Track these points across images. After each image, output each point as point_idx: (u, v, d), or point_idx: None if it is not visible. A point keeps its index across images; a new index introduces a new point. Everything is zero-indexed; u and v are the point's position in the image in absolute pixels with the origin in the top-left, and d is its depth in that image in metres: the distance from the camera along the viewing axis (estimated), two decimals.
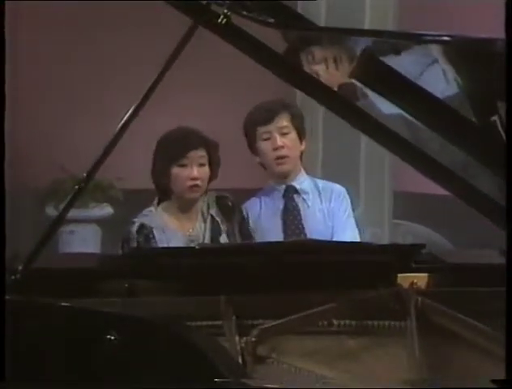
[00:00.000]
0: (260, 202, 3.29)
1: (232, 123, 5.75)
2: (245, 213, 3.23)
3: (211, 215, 3.07)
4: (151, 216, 3.04)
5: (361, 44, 1.92)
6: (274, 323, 2.11)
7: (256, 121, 3.24)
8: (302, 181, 3.28)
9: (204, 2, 2.02)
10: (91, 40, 5.75)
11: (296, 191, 3.26)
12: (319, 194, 3.28)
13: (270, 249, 2.54)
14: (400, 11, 5.34)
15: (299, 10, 2.64)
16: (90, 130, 5.08)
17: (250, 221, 3.22)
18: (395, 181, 5.46)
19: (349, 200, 3.32)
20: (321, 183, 3.33)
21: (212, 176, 3.07)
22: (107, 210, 5.71)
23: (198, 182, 3.00)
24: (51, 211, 5.43)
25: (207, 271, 2.34)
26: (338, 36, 1.98)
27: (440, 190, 2.06)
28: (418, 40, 1.78)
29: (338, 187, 3.34)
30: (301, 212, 3.24)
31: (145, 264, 2.38)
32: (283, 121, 3.21)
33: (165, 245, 2.97)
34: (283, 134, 3.20)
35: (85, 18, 5.67)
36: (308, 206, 3.25)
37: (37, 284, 2.09)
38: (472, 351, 2.08)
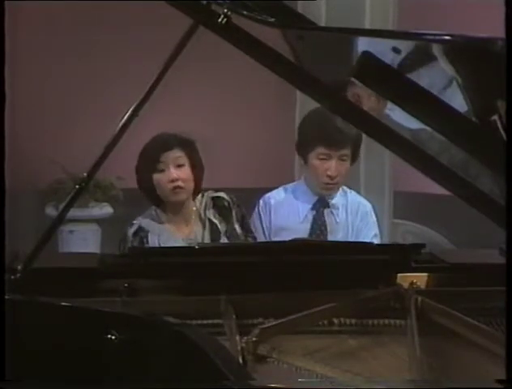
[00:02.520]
0: (287, 200, 3.23)
1: (232, 123, 5.77)
2: (265, 206, 3.20)
3: (209, 219, 3.06)
4: (149, 219, 3.04)
5: (362, 44, 1.93)
6: (274, 323, 2.11)
7: (321, 140, 3.10)
8: (334, 196, 3.23)
9: (204, 2, 2.02)
10: (91, 40, 5.74)
11: (327, 205, 3.21)
12: (346, 207, 3.23)
13: (271, 249, 2.54)
14: (400, 11, 5.34)
15: (299, 10, 2.63)
16: (90, 130, 5.07)
17: (273, 217, 3.19)
18: (395, 180, 5.46)
19: (375, 218, 3.28)
20: (349, 194, 3.27)
21: (197, 175, 3.04)
22: (107, 209, 5.71)
23: (179, 183, 2.97)
24: (51, 211, 5.43)
25: (207, 271, 2.34)
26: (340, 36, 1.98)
27: (440, 190, 2.06)
28: (418, 39, 1.78)
29: (364, 203, 3.29)
30: (328, 227, 3.19)
31: (145, 264, 2.38)
32: (347, 150, 3.13)
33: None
34: (341, 161, 3.13)
35: (85, 18, 5.67)
36: (336, 221, 3.20)
37: (37, 284, 2.09)
38: (472, 350, 2.08)
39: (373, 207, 3.35)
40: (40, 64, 5.80)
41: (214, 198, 3.09)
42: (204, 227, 3.06)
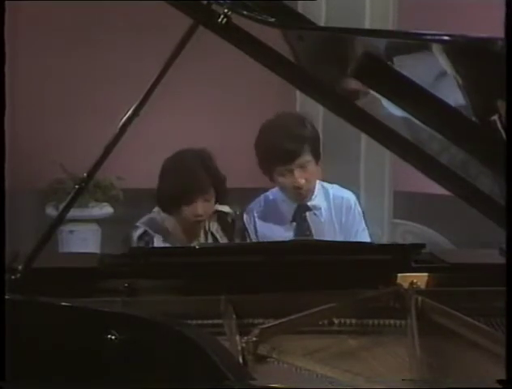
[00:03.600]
0: (268, 210, 3.19)
1: (232, 123, 5.78)
2: (250, 219, 3.18)
3: (211, 233, 3.08)
4: (154, 224, 3.04)
5: (362, 44, 1.93)
6: (274, 323, 2.11)
7: (276, 160, 3.07)
8: (314, 196, 3.18)
9: (204, 2, 2.02)
10: (91, 40, 5.75)
11: (308, 208, 3.17)
12: (330, 206, 3.18)
13: (271, 249, 2.54)
14: (400, 11, 5.35)
15: (299, 10, 2.63)
16: (90, 130, 5.08)
17: (259, 228, 3.17)
18: (395, 180, 5.46)
19: (360, 209, 3.23)
20: (331, 190, 3.22)
21: (218, 200, 3.06)
22: (107, 209, 5.71)
23: (202, 218, 3.01)
24: (51, 211, 5.44)
25: (207, 271, 2.34)
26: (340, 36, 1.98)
27: (440, 190, 2.06)
28: (418, 39, 1.78)
29: (347, 197, 3.23)
30: (313, 230, 3.15)
31: (145, 264, 2.38)
32: (305, 157, 3.06)
33: None
34: (304, 168, 3.07)
35: (85, 18, 5.67)
36: (320, 221, 3.16)
37: (37, 284, 2.09)
38: (472, 350, 2.08)
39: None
40: (40, 64, 5.80)
41: (219, 212, 3.10)
42: (206, 239, 3.07)
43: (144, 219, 3.06)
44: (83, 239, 5.60)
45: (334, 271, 2.34)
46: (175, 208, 3.00)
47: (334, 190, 3.24)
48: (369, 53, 1.89)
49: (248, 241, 3.14)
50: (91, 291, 2.26)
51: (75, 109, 5.83)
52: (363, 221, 3.23)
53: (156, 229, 3.02)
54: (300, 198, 3.14)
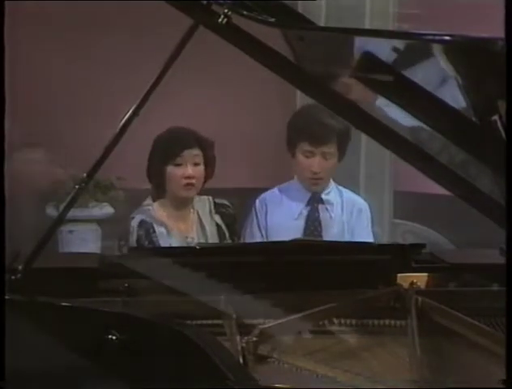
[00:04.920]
0: (282, 199, 3.25)
1: (232, 123, 5.77)
2: (262, 206, 3.22)
3: (216, 223, 3.09)
4: (149, 213, 3.05)
5: (362, 44, 1.93)
6: (274, 323, 2.11)
7: (305, 136, 3.15)
8: (329, 192, 3.25)
9: (204, 2, 2.02)
10: (91, 40, 5.74)
11: (321, 201, 3.23)
12: (342, 204, 3.24)
13: (271, 249, 2.54)
14: (400, 11, 5.34)
15: (299, 10, 2.63)
16: (90, 130, 5.07)
17: (269, 216, 3.21)
18: (395, 180, 5.46)
19: (369, 215, 3.29)
20: (345, 193, 3.29)
21: (208, 175, 3.08)
22: (107, 209, 5.71)
23: (193, 181, 3.03)
24: (51, 211, 5.43)
25: (207, 271, 2.34)
26: (340, 36, 1.98)
27: (440, 190, 2.06)
28: (418, 39, 1.78)
29: (360, 201, 3.31)
30: (322, 223, 3.20)
31: (145, 264, 2.38)
32: (331, 148, 3.15)
33: (165, 240, 2.99)
34: (326, 159, 3.15)
35: (85, 17, 5.66)
36: (330, 216, 3.22)
37: (37, 284, 2.09)
38: (472, 350, 2.08)
39: (373, 206, 3.35)
40: (40, 64, 5.79)
41: (218, 204, 3.13)
42: (205, 230, 3.08)
43: (137, 210, 3.08)
44: (83, 239, 5.59)
45: (334, 271, 2.34)
46: (163, 172, 3.01)
47: (348, 193, 3.33)
48: (369, 53, 1.89)
49: (256, 228, 3.19)
50: (91, 291, 2.26)
51: (75, 109, 5.82)
52: (368, 228, 3.27)
53: (151, 217, 3.03)
54: (312, 183, 3.22)
